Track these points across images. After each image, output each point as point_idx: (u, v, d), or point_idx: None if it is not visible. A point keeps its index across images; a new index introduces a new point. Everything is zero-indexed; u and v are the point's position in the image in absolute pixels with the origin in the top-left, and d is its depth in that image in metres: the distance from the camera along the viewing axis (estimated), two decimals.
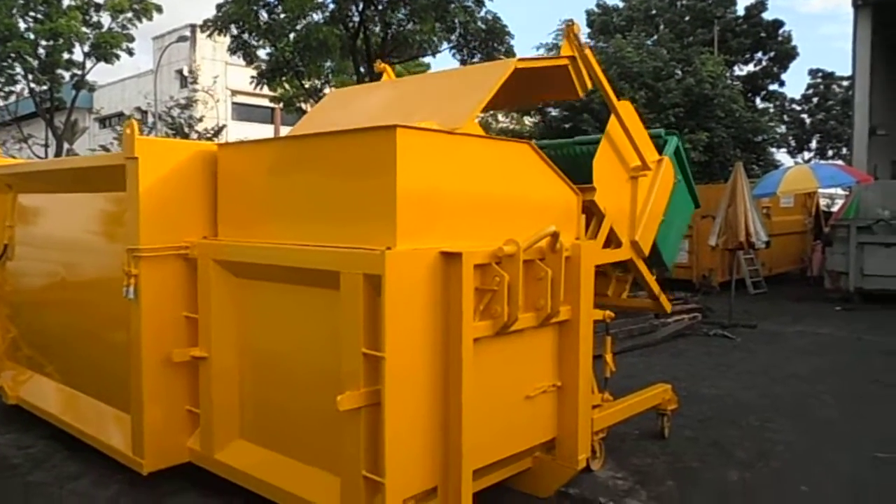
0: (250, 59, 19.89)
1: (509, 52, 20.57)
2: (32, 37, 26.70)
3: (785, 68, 37.16)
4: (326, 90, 21.96)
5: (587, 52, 4.77)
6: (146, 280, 4.28)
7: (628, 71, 19.86)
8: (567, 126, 20.19)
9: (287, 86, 22.90)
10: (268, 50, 19.65)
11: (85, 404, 5.13)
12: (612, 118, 4.99)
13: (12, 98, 29.09)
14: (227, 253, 4.22)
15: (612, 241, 5.01)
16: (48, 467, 4.95)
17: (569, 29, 4.78)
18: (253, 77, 20.51)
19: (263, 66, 19.95)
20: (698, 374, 8.00)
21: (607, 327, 4.92)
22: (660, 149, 5.52)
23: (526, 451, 4.21)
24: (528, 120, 24.72)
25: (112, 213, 4.90)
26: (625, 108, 5.02)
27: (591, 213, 4.84)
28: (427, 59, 28.26)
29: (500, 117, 34.08)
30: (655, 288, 5.58)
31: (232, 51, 19.63)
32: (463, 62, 20.58)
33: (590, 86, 4.95)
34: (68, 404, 5.30)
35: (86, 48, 28.34)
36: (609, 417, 4.90)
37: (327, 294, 3.58)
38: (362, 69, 19.16)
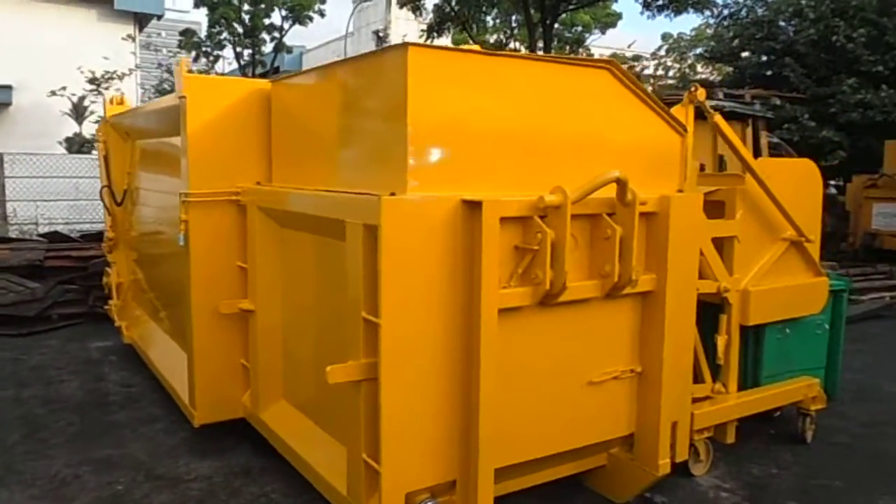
0: (418, 11, 19.69)
1: None
2: (237, 2, 28.79)
3: None
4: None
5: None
6: (195, 227, 4.08)
7: (845, 5, 16.93)
8: (767, 73, 17.80)
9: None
10: (435, 1, 19.30)
11: (171, 351, 5.15)
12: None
13: (219, 63, 31.72)
14: (269, 200, 3.88)
15: None
16: (136, 408, 5.05)
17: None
18: (422, 31, 20.36)
19: (430, 19, 19.66)
20: (882, 367, 6.51)
21: (723, 303, 3.97)
22: None
23: (592, 446, 3.47)
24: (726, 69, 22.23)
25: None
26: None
27: None
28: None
29: (700, 68, 31.30)
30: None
31: (401, 4, 19.57)
32: (646, 5, 18.81)
33: None
34: (160, 349, 5.38)
35: (283, 12, 30.04)
36: (719, 413, 3.99)
37: (342, 246, 3.09)
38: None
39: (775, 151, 11.64)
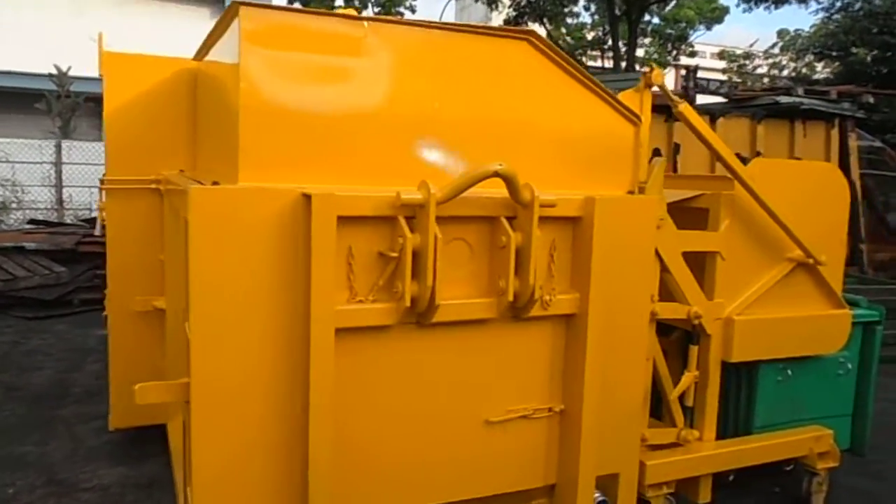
0: (494, 3, 19.07)
1: None
2: None
3: None
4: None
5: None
6: (113, 215, 3.79)
7: None
8: (883, 70, 16.02)
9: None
10: None
11: None
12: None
13: None
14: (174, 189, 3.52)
15: None
16: (89, 403, 4.84)
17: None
18: (503, 24, 19.75)
19: (506, 13, 19.02)
20: None
21: (694, 331, 3.26)
22: None
23: (501, 497, 2.88)
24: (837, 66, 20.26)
25: None
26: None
27: None
28: None
29: (819, 66, 28.91)
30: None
31: None
32: None
33: None
34: None
35: (375, 9, 30.18)
36: (682, 465, 3.27)
37: None
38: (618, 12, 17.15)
39: (874, 157, 10.32)
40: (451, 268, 2.56)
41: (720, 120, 8.37)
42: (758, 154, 8.56)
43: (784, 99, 8.62)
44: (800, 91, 8.91)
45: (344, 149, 2.46)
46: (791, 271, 3.49)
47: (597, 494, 2.96)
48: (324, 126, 2.42)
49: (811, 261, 3.43)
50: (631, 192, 2.96)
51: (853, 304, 3.95)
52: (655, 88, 3.09)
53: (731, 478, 3.84)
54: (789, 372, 3.58)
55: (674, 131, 8.20)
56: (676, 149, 8.07)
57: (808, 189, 3.50)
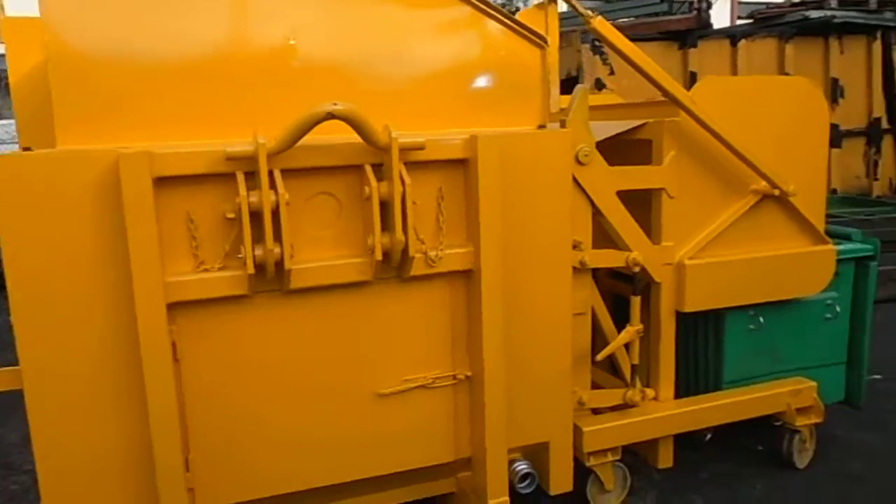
0: None
1: None
2: None
3: None
4: None
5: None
6: None
7: None
8: None
9: None
10: None
11: None
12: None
13: None
14: None
15: None
16: None
17: None
18: None
19: None
20: None
21: (635, 280, 2.89)
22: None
23: (416, 472, 2.62)
24: None
25: None
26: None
27: None
28: None
29: None
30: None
31: None
32: None
33: None
34: None
35: None
36: (627, 430, 2.94)
37: None
38: None
39: None
40: (317, 227, 2.29)
41: (742, 42, 7.66)
42: (786, 76, 7.84)
43: (815, 13, 7.81)
44: (833, 2, 8.05)
45: (183, 100, 2.18)
46: (756, 205, 3.05)
47: (522, 465, 2.69)
48: (155, 74, 2.15)
49: (776, 192, 2.98)
50: (542, 127, 2.58)
51: (844, 237, 3.47)
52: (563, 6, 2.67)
53: (707, 437, 3.50)
54: (761, 319, 3.17)
55: (689, 59, 7.58)
56: (693, 78, 7.45)
57: (773, 110, 3.02)
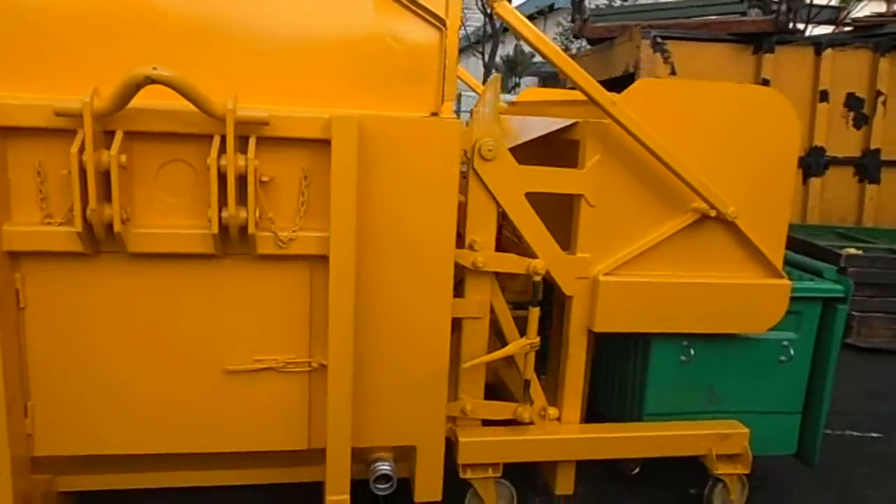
0: None
1: None
2: None
3: None
4: None
5: None
6: None
7: None
8: None
9: None
10: None
11: None
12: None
13: None
14: None
15: None
16: None
17: None
18: None
19: None
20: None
21: (535, 291, 2.69)
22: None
23: (258, 455, 2.57)
24: None
25: None
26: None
27: None
28: None
29: None
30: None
31: None
32: None
33: None
34: None
35: None
36: (509, 447, 2.75)
37: None
38: None
39: None
40: (171, 193, 2.27)
41: (827, 51, 6.97)
42: (878, 95, 7.10)
43: None
44: None
45: (56, 52, 2.20)
46: (695, 226, 2.75)
47: (384, 465, 2.58)
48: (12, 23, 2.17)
49: (713, 212, 2.67)
50: (435, 114, 2.43)
51: (816, 272, 3.08)
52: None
53: (635, 470, 3.24)
54: (692, 351, 2.87)
55: (762, 65, 7.00)
56: (765, 85, 6.87)
57: (726, 122, 2.70)
